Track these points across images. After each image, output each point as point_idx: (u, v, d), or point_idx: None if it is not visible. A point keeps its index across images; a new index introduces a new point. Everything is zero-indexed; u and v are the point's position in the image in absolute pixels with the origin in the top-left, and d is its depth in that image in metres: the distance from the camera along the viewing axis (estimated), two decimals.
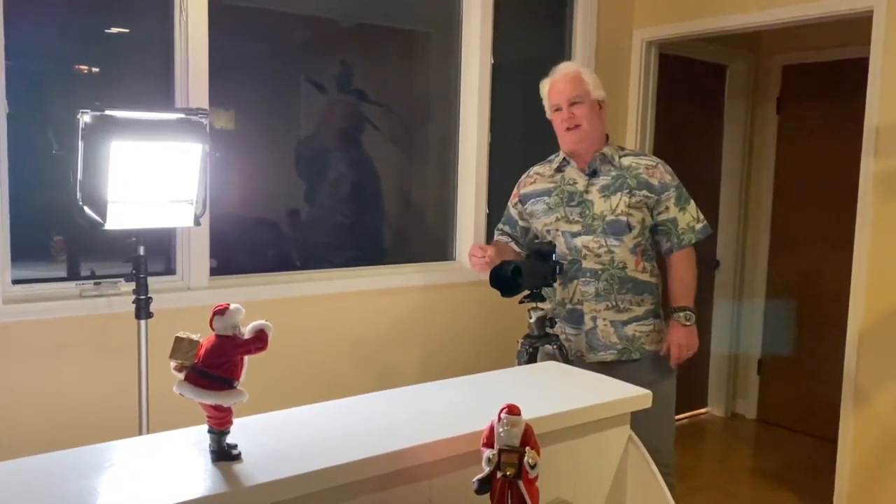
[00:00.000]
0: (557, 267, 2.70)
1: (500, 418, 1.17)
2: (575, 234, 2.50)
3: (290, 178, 3.02)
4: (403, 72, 3.31)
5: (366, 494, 1.20)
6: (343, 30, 3.09)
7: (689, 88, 4.42)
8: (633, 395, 1.61)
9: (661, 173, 2.49)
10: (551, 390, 1.61)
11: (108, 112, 1.89)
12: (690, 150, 4.37)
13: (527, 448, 1.15)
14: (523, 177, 2.69)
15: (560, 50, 3.64)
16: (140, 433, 2.13)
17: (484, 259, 2.47)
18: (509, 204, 2.73)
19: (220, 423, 1.15)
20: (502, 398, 1.23)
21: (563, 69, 2.55)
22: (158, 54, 2.55)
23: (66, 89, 2.45)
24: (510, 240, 2.73)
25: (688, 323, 2.47)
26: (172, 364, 1.11)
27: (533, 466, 1.15)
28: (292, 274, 2.87)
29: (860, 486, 3.01)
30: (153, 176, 2.01)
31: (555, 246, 2.64)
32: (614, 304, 2.48)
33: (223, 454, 1.15)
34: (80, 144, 1.91)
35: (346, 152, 3.17)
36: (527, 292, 2.66)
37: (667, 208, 2.48)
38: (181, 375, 1.11)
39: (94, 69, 2.50)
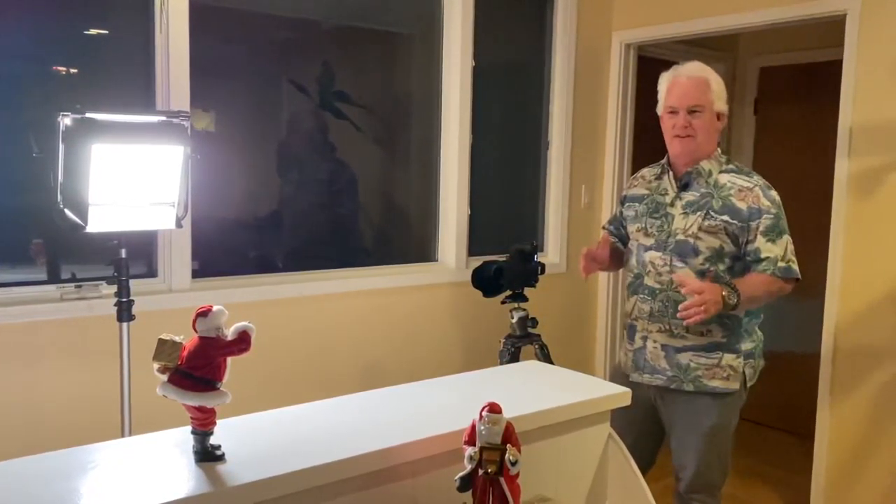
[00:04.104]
0: (539, 268, 2.73)
1: (481, 416, 1.19)
2: (647, 248, 2.27)
3: (271, 179, 3.02)
4: (385, 74, 3.31)
5: (350, 493, 1.22)
6: (325, 31, 3.09)
7: None
8: (611, 393, 1.63)
9: (757, 198, 2.15)
10: (532, 389, 1.63)
11: (88, 115, 1.89)
12: None
13: (508, 446, 1.17)
14: (632, 176, 2.47)
15: (540, 52, 3.67)
16: (123, 435, 2.12)
17: (586, 264, 2.34)
18: (618, 201, 2.58)
19: (203, 423, 1.15)
20: (484, 397, 1.25)
21: (690, 70, 2.27)
22: (139, 56, 2.54)
23: (45, 91, 2.43)
24: (616, 239, 2.51)
25: (728, 300, 2.05)
26: (156, 366, 1.12)
27: (514, 464, 1.16)
28: (275, 276, 2.87)
29: (837, 481, 3.05)
30: (134, 178, 2.01)
31: (537, 247, 2.65)
32: (668, 327, 2.22)
33: (207, 455, 1.16)
34: (61, 147, 1.90)
35: (327, 154, 3.17)
36: (509, 293, 2.69)
37: (755, 237, 2.15)
38: (164, 377, 1.12)
39: (74, 71, 2.49)
